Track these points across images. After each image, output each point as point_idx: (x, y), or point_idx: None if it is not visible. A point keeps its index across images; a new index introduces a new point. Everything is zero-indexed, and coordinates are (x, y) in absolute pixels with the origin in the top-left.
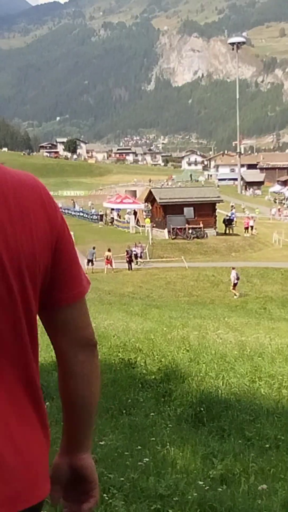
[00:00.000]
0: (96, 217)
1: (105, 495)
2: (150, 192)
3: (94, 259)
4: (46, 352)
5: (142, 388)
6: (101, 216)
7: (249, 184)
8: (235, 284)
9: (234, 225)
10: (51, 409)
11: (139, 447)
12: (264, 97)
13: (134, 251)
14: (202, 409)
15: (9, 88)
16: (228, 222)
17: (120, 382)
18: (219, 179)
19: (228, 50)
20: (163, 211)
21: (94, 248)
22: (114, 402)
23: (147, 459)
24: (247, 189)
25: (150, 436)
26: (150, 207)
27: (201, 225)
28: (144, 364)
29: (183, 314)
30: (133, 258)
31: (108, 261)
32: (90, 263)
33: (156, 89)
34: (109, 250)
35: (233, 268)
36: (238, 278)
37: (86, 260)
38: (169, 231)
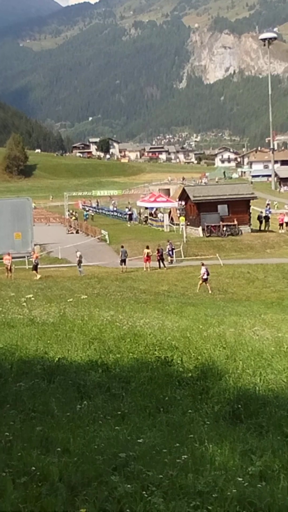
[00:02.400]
0: (126, 216)
1: (144, 492)
2: (184, 190)
3: (126, 259)
4: (82, 351)
5: (179, 385)
6: (130, 215)
7: (283, 180)
8: (205, 280)
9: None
10: (89, 407)
11: (177, 445)
12: None
13: (168, 249)
14: (239, 406)
15: (41, 90)
16: (265, 219)
17: (156, 380)
18: (253, 176)
19: (260, 46)
20: (197, 209)
21: (122, 247)
22: (151, 400)
23: (185, 456)
24: (281, 185)
25: (188, 434)
26: (184, 205)
27: (236, 222)
28: (180, 362)
29: (219, 312)
30: (165, 256)
31: (148, 258)
32: (123, 263)
33: (188, 86)
34: (147, 248)
35: (203, 264)
36: (208, 274)
37: (119, 260)
38: (203, 229)
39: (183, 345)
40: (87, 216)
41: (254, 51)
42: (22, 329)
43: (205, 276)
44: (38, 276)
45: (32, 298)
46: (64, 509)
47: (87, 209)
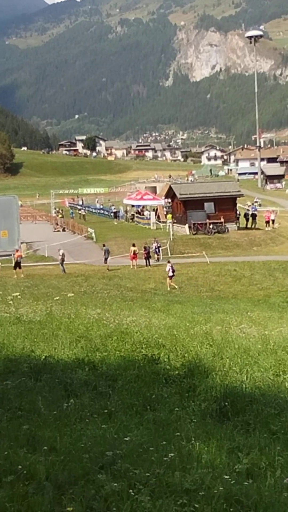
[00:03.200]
0: (111, 214)
1: (131, 490)
2: (170, 188)
3: (108, 257)
4: (69, 349)
5: (166, 383)
6: (115, 213)
7: (269, 178)
8: (170, 277)
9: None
10: (76, 406)
11: (164, 443)
12: (283, 90)
13: (155, 247)
14: (226, 403)
15: (27, 87)
16: (252, 216)
17: (143, 378)
18: (239, 173)
19: (246, 43)
20: (184, 206)
21: (104, 245)
22: (138, 398)
23: (172, 454)
24: (267, 182)
25: (175, 431)
26: (171, 203)
27: (222, 220)
28: (167, 359)
29: (206, 309)
30: (151, 254)
31: (134, 256)
32: (106, 261)
33: (174, 84)
34: (133, 245)
35: (169, 262)
36: (174, 271)
37: (103, 259)
38: (190, 227)
39: (170, 343)
40: (73, 215)
41: (240, 48)
42: (9, 327)
43: (170, 273)
44: (21, 275)
45: (19, 296)
46: (51, 508)
47: (78, 208)
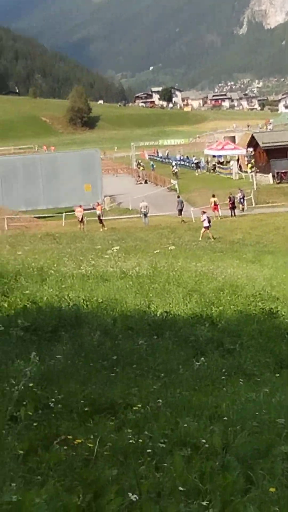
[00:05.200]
0: (193, 165)
1: None
2: (253, 137)
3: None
4: (183, 304)
5: None
6: (197, 164)
7: None
8: (206, 227)
9: None
10: (208, 365)
11: None
12: None
13: (240, 197)
14: None
15: (100, 41)
16: None
17: (266, 333)
18: None
19: None
20: (267, 155)
21: (178, 197)
22: (268, 355)
23: None
24: None
25: None
26: (253, 152)
27: None
28: (286, 313)
29: None
30: (236, 204)
31: (216, 207)
32: (180, 213)
33: (249, 32)
34: (213, 196)
35: (204, 212)
36: (209, 221)
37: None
38: (273, 176)
39: (283, 295)
40: (154, 166)
41: None
42: (116, 282)
43: (206, 224)
44: (101, 229)
45: (116, 250)
46: (246, 487)
47: (173, 164)
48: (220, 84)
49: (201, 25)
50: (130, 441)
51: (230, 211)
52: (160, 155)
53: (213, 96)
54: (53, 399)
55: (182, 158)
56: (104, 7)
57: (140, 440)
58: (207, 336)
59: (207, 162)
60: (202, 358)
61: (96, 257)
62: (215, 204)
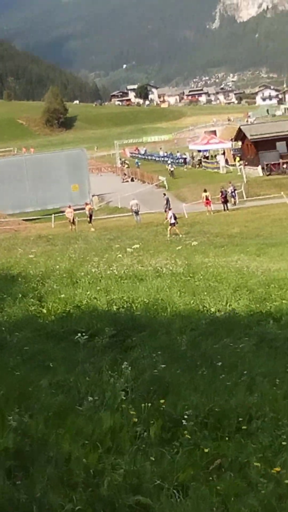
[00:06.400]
0: (181, 161)
1: None
2: (240, 130)
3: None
4: (234, 301)
5: None
6: (185, 159)
7: None
8: (173, 224)
9: None
10: None
11: None
12: None
13: (231, 191)
14: None
15: (72, 41)
16: None
17: None
18: None
19: None
20: (255, 147)
21: (164, 194)
22: None
23: None
24: None
25: None
26: (240, 145)
27: None
28: None
29: None
30: (228, 198)
31: (208, 201)
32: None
33: (221, 26)
34: (205, 191)
35: (170, 209)
36: (176, 218)
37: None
38: (262, 168)
39: None
40: (139, 164)
41: None
42: (153, 281)
43: (172, 221)
44: (92, 229)
45: (137, 247)
46: None
47: (169, 162)
48: (195, 80)
49: (173, 21)
50: None
51: (222, 205)
52: (142, 152)
53: (190, 91)
54: (181, 415)
55: (165, 154)
56: (75, 7)
57: None
58: (276, 334)
59: (192, 157)
60: None
61: (119, 256)
62: (207, 199)
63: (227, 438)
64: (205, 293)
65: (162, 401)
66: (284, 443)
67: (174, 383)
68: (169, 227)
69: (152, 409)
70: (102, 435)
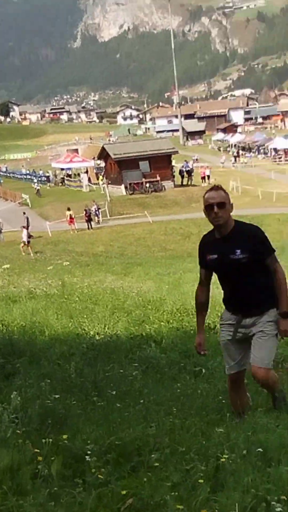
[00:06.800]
0: (45, 179)
1: None
2: (103, 149)
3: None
4: (113, 324)
5: None
6: (48, 177)
7: (190, 134)
8: (27, 242)
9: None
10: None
11: None
12: (193, 47)
13: (95, 209)
14: None
15: None
16: (188, 173)
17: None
18: (157, 132)
19: (152, 1)
20: (118, 166)
21: (24, 213)
22: None
23: None
24: (189, 139)
25: None
26: (104, 164)
27: (158, 178)
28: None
29: (169, 270)
30: (92, 217)
31: (72, 220)
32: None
33: (83, 45)
34: (68, 209)
35: (24, 227)
36: (30, 237)
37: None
38: (126, 187)
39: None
40: (1, 181)
41: (147, 6)
42: (26, 303)
43: (25, 239)
44: None
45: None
46: None
47: (35, 181)
48: (56, 98)
49: (35, 39)
50: None
51: (86, 223)
52: (4, 170)
53: (51, 109)
54: (83, 450)
55: (28, 172)
56: None
57: None
58: (162, 358)
59: (55, 175)
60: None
61: None
62: (71, 217)
63: (133, 474)
64: (84, 316)
65: (64, 436)
66: (200, 480)
67: (70, 415)
68: (22, 244)
69: (51, 444)
70: (1, 474)
